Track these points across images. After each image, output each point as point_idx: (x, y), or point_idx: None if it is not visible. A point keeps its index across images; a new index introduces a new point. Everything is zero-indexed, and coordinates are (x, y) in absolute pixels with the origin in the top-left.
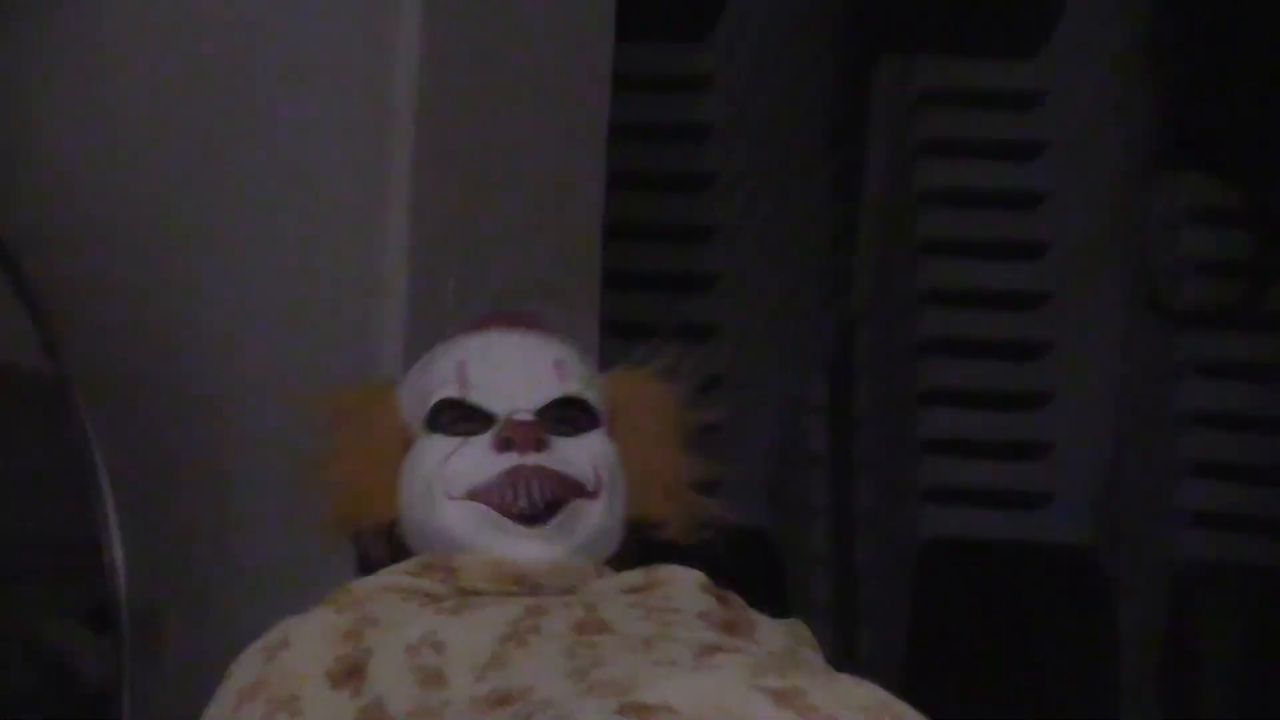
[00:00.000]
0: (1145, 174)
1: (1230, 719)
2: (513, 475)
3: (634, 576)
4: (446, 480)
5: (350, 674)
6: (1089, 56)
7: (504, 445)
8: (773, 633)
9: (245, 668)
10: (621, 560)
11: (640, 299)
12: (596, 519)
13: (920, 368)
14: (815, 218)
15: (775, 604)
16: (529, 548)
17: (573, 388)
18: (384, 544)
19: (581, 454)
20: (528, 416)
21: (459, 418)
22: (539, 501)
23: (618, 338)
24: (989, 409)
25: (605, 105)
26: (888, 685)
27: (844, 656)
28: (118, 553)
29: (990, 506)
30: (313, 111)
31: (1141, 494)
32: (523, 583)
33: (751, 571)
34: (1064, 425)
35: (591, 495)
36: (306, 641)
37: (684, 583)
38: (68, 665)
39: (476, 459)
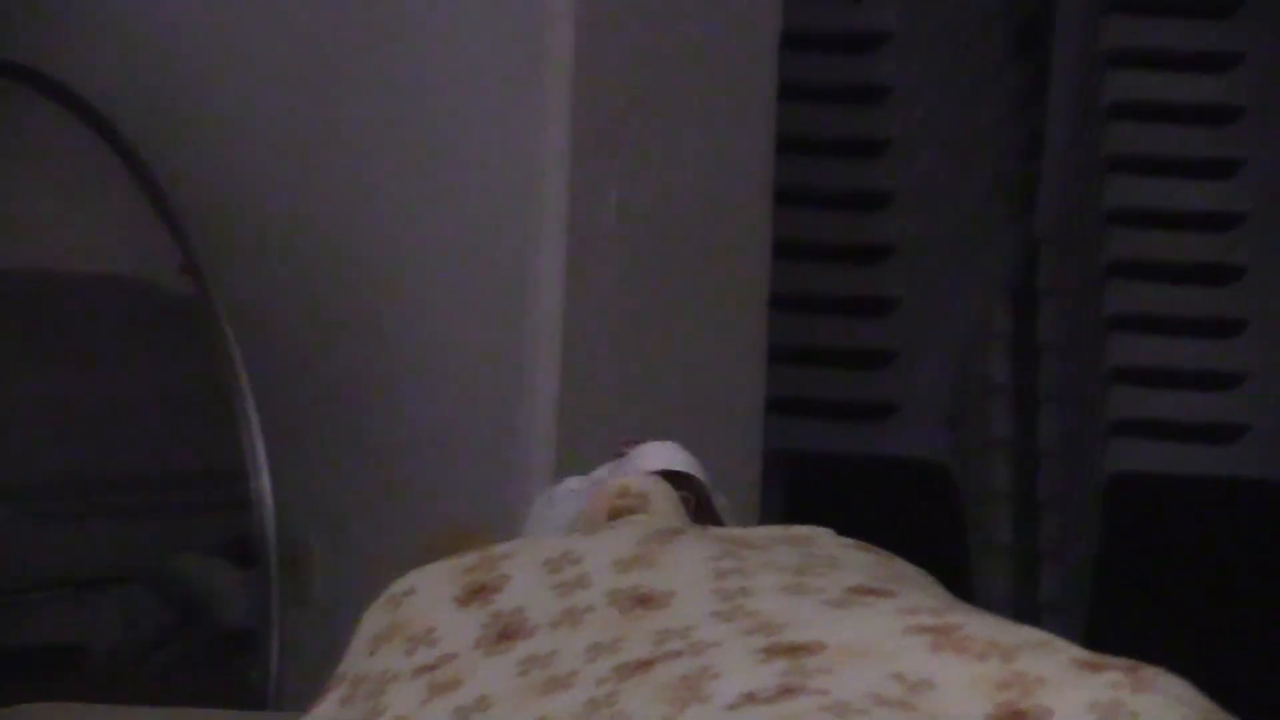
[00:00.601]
0: None
1: None
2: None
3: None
4: (565, 484)
5: (476, 592)
6: None
7: (618, 455)
8: (910, 568)
9: (374, 618)
10: None
11: (813, 216)
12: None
13: (1108, 292)
14: (997, 131)
15: (953, 540)
16: (660, 447)
17: None
18: None
19: None
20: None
21: None
22: None
23: (791, 258)
24: (1181, 336)
25: (777, 13)
26: (1071, 626)
27: (1025, 597)
28: (264, 483)
29: (1182, 439)
30: (470, 15)
31: None
32: (646, 496)
33: (928, 507)
34: (1260, 353)
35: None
36: (432, 584)
37: (820, 532)
38: (210, 602)
39: (590, 474)
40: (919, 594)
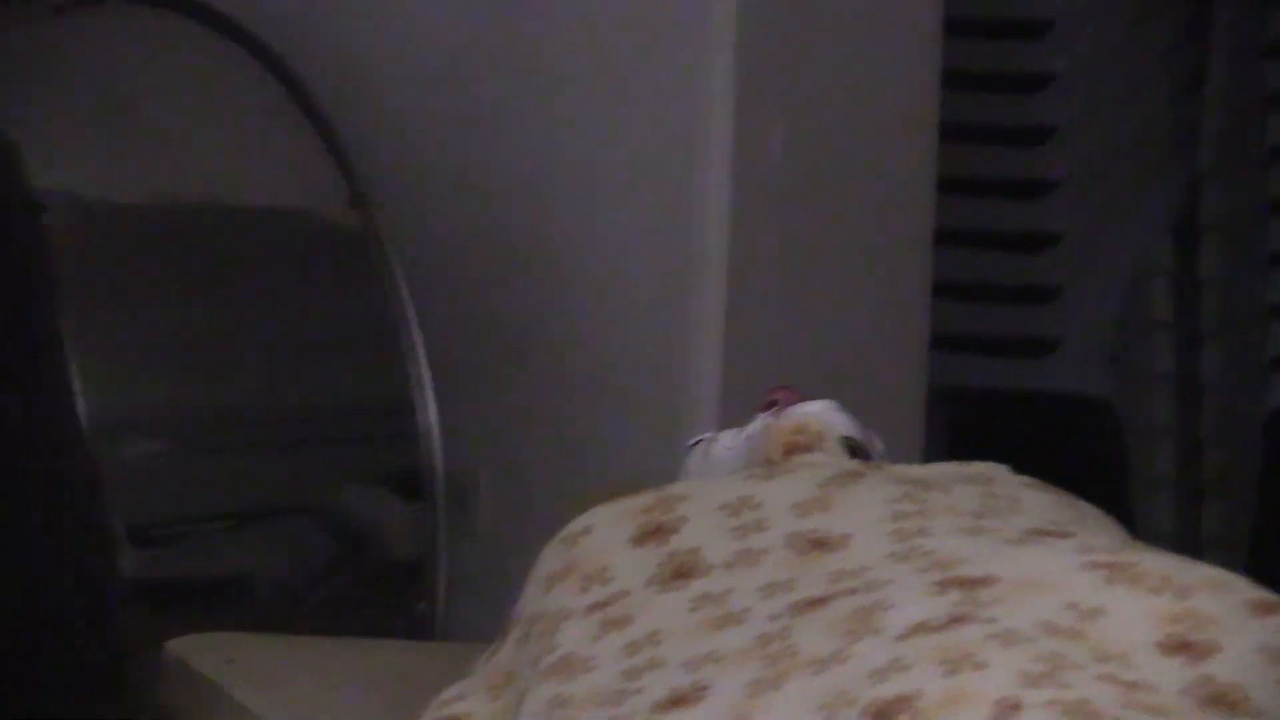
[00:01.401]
0: None
1: None
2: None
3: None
4: (719, 441)
5: (653, 532)
6: None
7: (768, 405)
8: (1090, 508)
9: (550, 558)
10: None
11: (977, 152)
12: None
13: (1270, 228)
14: (1161, 67)
15: (1115, 476)
16: (821, 404)
17: None
18: None
19: None
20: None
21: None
22: None
23: (955, 194)
24: None
25: None
26: (1233, 560)
27: (1187, 531)
28: (430, 417)
29: None
30: None
31: None
32: (818, 439)
33: (1091, 442)
34: None
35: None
36: (608, 524)
37: (998, 470)
38: (378, 534)
39: (743, 428)
40: (1097, 534)
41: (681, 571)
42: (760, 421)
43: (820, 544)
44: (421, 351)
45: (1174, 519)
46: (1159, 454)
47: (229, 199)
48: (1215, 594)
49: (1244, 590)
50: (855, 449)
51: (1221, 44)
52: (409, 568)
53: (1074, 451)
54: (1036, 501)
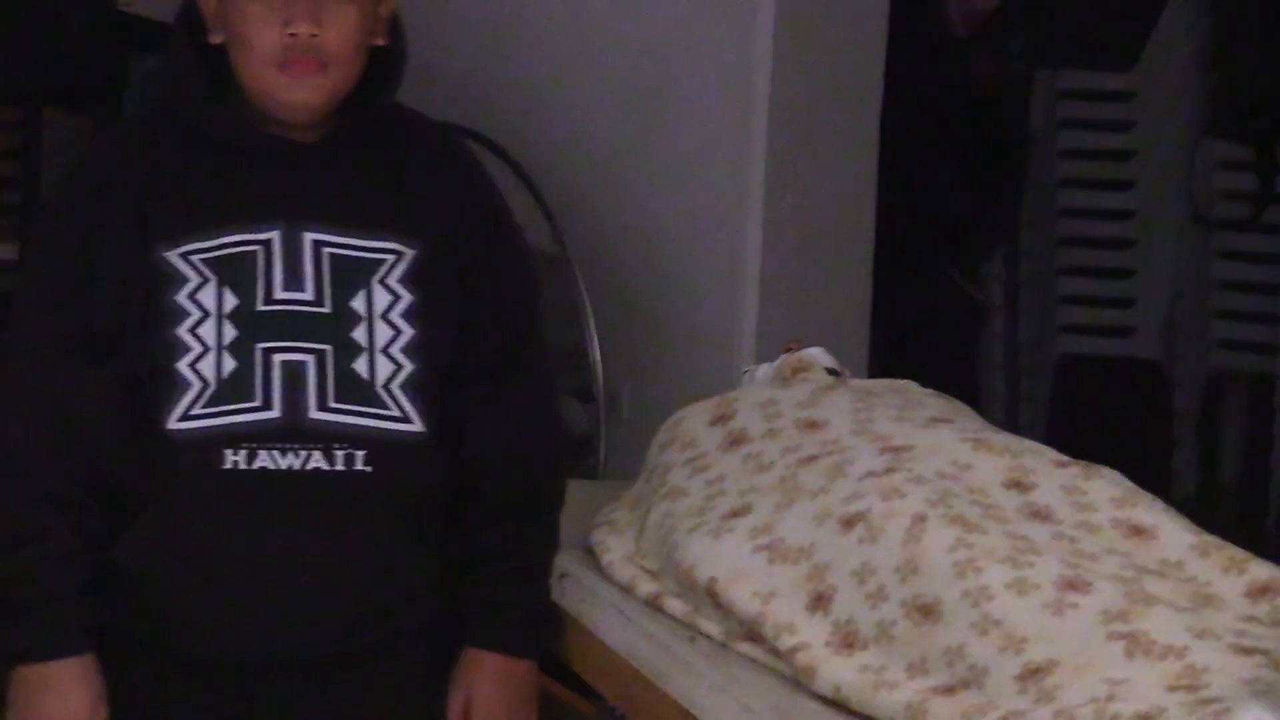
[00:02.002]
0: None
1: None
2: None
3: (881, 381)
4: (759, 370)
5: (720, 419)
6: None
7: (787, 349)
8: (965, 407)
9: (662, 433)
10: None
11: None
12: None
13: (1056, 255)
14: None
15: (971, 392)
16: (816, 350)
17: None
18: None
19: None
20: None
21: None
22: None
23: (891, 234)
24: (1091, 278)
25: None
26: (1036, 439)
27: (1011, 423)
28: (596, 355)
29: (1096, 335)
30: (706, 77)
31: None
32: (811, 367)
33: (959, 376)
34: (1137, 286)
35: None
36: (696, 414)
37: (910, 384)
38: (566, 420)
39: (773, 363)
40: (971, 422)
41: (736, 440)
42: (782, 358)
43: (812, 425)
44: (592, 320)
45: (1003, 417)
46: (994, 378)
47: None
48: (1034, 455)
49: (1051, 454)
50: (833, 373)
51: (1036, 159)
52: (584, 441)
53: (950, 377)
54: (934, 403)
